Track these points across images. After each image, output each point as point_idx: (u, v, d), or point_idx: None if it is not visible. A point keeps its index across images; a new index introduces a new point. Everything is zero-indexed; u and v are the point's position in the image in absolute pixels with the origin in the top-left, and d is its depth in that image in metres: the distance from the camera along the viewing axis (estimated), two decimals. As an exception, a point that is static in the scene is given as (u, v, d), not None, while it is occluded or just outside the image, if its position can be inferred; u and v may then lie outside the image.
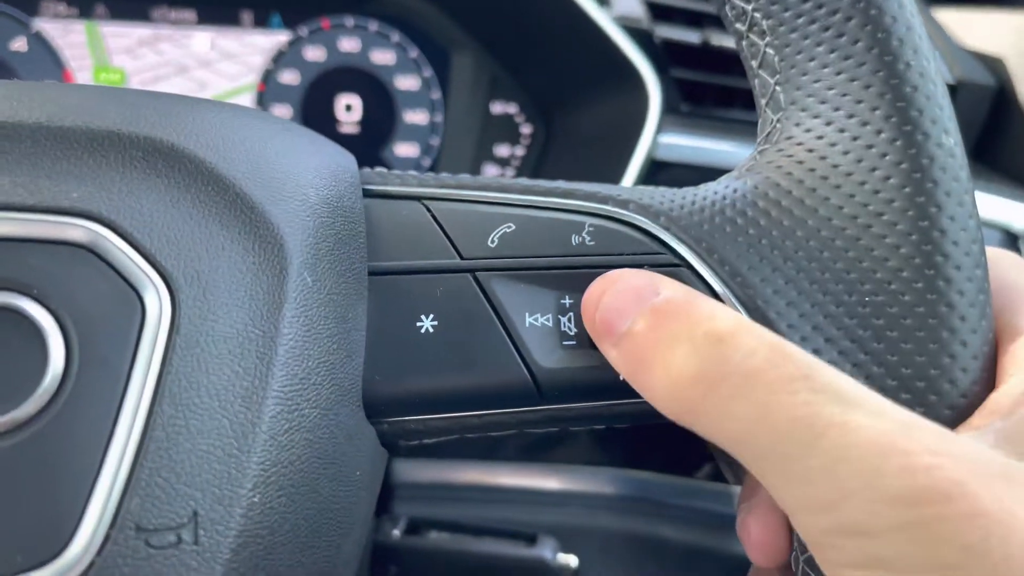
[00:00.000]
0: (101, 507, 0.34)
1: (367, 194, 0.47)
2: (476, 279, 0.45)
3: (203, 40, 1.11)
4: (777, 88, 0.45)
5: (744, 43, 0.47)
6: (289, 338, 0.38)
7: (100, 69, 1.09)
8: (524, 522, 1.06)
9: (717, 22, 1.04)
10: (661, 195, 0.47)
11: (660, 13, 1.01)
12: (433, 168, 1.19)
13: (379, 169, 0.51)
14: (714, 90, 1.03)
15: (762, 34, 0.45)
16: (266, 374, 0.37)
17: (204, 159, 0.39)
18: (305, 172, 0.43)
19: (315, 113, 1.16)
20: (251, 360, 0.37)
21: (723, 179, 0.48)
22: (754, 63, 0.46)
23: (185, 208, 0.38)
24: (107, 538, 0.33)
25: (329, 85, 1.15)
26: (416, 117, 1.18)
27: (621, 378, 0.40)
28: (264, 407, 0.36)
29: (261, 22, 1.12)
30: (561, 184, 0.49)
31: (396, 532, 0.95)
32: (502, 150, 1.19)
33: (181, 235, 0.37)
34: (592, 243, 0.45)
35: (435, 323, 0.44)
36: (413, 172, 0.51)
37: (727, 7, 0.47)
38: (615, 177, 0.98)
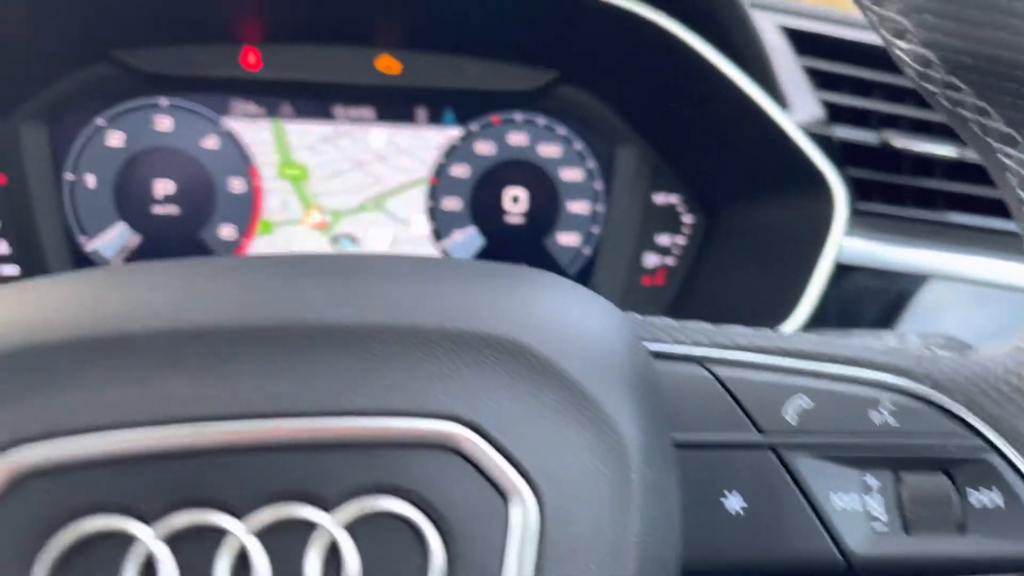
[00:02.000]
0: None
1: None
2: (778, 455, 0.45)
3: (380, 136, 1.16)
4: None
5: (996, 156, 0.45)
6: (636, 532, 0.39)
7: (284, 165, 1.15)
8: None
9: (890, 121, 1.04)
10: (953, 367, 0.47)
11: (837, 113, 1.01)
12: (594, 256, 1.21)
13: (639, 317, 0.52)
14: (883, 188, 1.02)
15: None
16: (623, 571, 0.38)
17: (544, 354, 0.40)
18: (619, 349, 0.44)
19: (483, 205, 1.19)
20: (605, 555, 0.38)
21: (1012, 345, 0.47)
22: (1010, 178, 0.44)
23: (533, 405, 0.39)
24: None
25: (497, 177, 1.19)
26: (579, 207, 1.20)
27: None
28: None
29: (435, 118, 1.16)
30: (847, 347, 0.49)
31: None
32: (663, 239, 1.20)
33: (535, 435, 0.39)
34: (895, 424, 0.45)
35: (741, 502, 0.44)
36: (676, 322, 0.51)
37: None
38: (796, 278, 0.98)
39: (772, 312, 1.01)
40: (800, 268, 0.98)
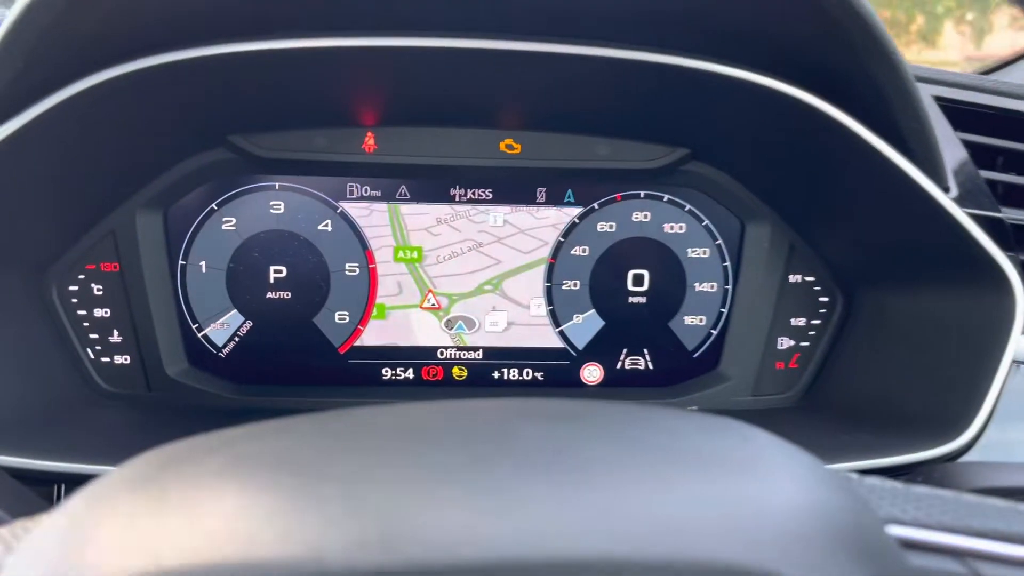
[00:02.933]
0: None
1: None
2: None
3: (498, 216, 1.11)
4: None
5: None
6: None
7: (400, 248, 1.11)
8: None
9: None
10: None
11: (1006, 194, 0.93)
12: (723, 337, 1.14)
13: (873, 486, 0.46)
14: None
15: None
16: None
17: None
18: (871, 550, 0.39)
19: (604, 285, 1.13)
20: None
21: None
22: None
23: None
24: None
25: (619, 257, 1.13)
26: (706, 286, 1.14)
27: None
28: None
29: (555, 197, 1.11)
30: None
31: None
32: (798, 321, 1.12)
33: None
34: None
35: None
36: (911, 491, 0.45)
37: None
38: (962, 376, 0.90)
39: (931, 413, 0.93)
40: (969, 365, 0.90)
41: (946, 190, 0.90)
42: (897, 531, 0.44)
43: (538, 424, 0.44)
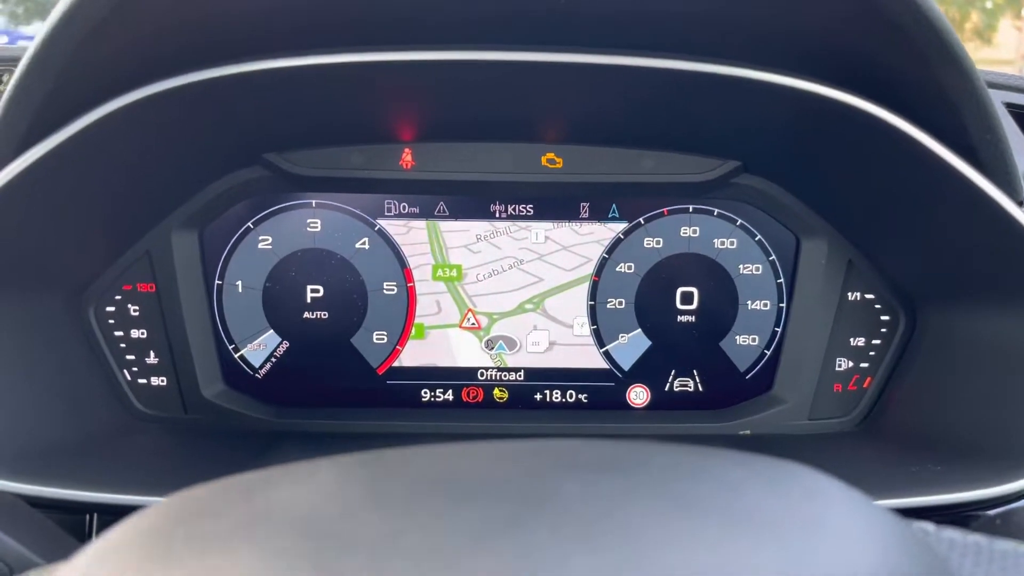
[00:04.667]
0: None
1: None
2: None
3: (539, 232, 1.07)
4: None
5: None
6: None
7: (439, 265, 1.08)
8: None
9: None
10: None
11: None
12: (777, 358, 1.08)
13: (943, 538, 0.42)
14: None
15: None
16: None
17: None
18: None
19: (650, 303, 1.09)
20: None
21: None
22: None
23: None
24: None
25: (666, 274, 1.08)
26: (759, 305, 1.08)
27: None
28: None
29: (598, 212, 1.07)
30: None
31: None
32: (857, 342, 1.06)
33: None
34: None
35: None
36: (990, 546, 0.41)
37: None
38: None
39: (1002, 444, 0.86)
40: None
41: (1020, 203, 0.84)
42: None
43: (580, 476, 0.40)
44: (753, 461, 0.42)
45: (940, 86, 0.75)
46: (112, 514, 0.79)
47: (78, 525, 0.81)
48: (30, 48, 0.73)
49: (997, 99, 0.92)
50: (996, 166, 0.82)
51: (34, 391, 0.89)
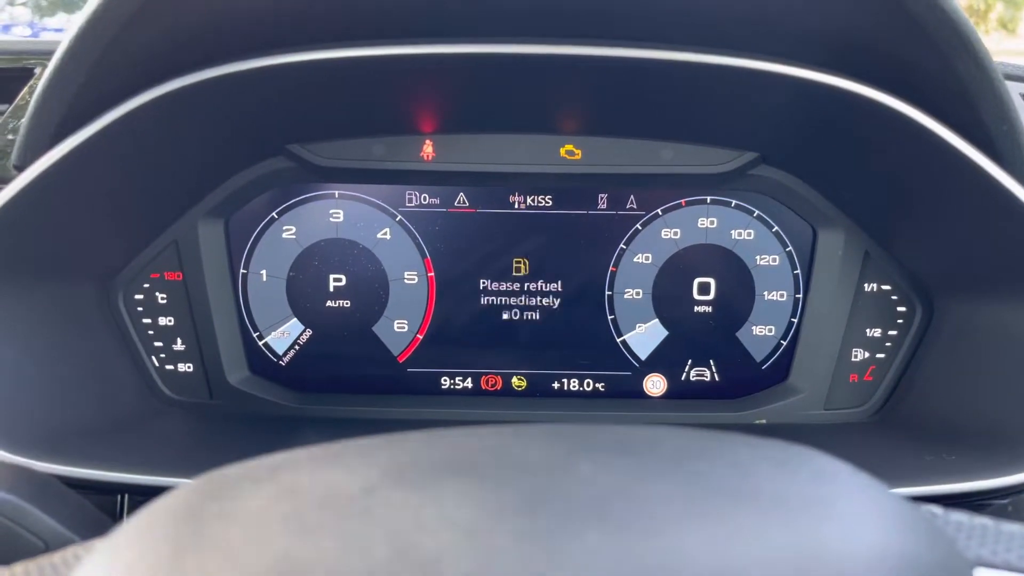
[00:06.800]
0: None
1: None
2: None
3: (557, 224, 1.09)
4: None
5: None
6: None
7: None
8: None
9: None
10: None
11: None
12: (793, 348, 1.09)
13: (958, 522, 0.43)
14: None
15: None
16: None
17: None
18: None
19: (668, 294, 1.10)
20: None
21: None
22: None
23: None
24: None
25: (683, 265, 1.09)
26: (775, 295, 1.09)
27: None
28: None
29: (616, 203, 1.08)
30: None
31: None
32: (874, 332, 1.07)
33: None
34: None
35: None
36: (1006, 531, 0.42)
37: None
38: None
39: (1017, 434, 0.87)
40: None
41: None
42: (986, 575, 0.40)
43: (596, 457, 0.41)
44: (763, 444, 0.44)
45: (957, 78, 0.76)
46: (142, 494, 0.81)
47: (109, 505, 0.84)
48: (63, 41, 0.75)
49: (1015, 91, 0.92)
50: (1013, 157, 0.82)
51: (68, 377, 0.92)
